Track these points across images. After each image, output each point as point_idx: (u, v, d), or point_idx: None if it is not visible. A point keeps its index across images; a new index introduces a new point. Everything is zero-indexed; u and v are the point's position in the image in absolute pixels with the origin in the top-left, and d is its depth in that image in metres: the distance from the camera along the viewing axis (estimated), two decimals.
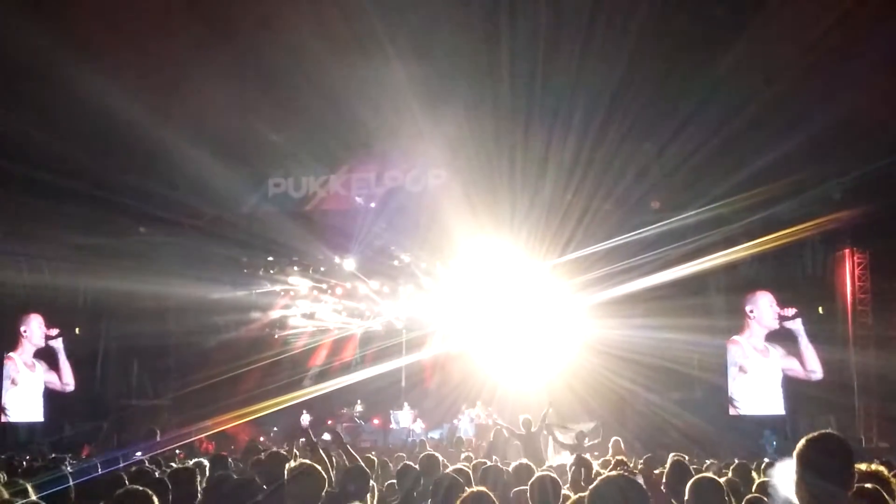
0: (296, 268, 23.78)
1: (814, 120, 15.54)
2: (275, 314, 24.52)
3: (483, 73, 17.57)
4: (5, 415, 22.82)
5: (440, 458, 8.11)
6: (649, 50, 15.70)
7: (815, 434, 3.57)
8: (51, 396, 22.98)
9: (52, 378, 22.95)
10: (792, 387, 19.83)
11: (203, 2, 15.75)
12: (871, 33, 14.30)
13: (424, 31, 16.23)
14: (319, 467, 5.21)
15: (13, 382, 22.94)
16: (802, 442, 3.52)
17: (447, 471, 7.20)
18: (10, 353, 23.06)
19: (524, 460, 7.94)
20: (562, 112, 17.28)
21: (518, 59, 16.41)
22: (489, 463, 8.67)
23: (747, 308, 20.20)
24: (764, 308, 20.06)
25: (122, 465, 8.70)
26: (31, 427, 22.80)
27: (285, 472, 5.26)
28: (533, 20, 15.14)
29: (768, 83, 15.43)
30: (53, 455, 13.48)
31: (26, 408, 22.92)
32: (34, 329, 23.07)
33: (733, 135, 16.84)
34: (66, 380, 22.95)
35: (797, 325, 19.75)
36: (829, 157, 17.24)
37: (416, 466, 7.52)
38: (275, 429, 20.32)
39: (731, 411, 20.26)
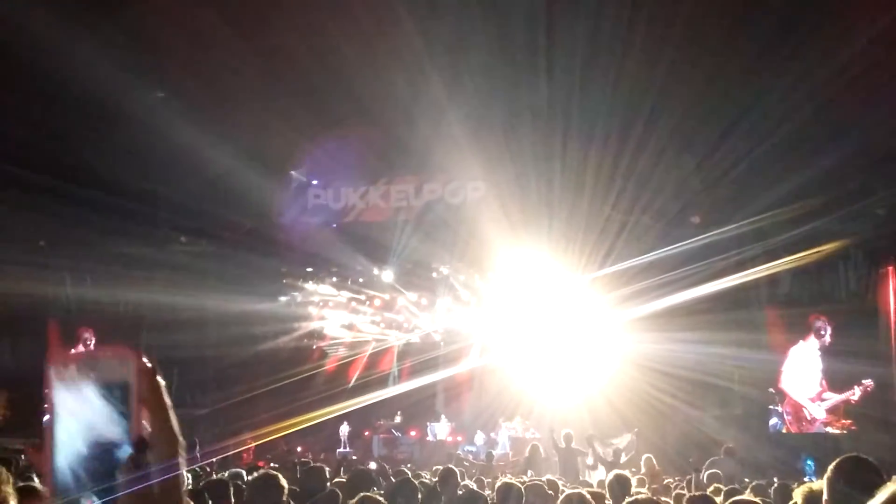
0: (334, 279, 23.83)
1: (858, 133, 15.35)
2: (313, 325, 24.52)
3: (521, 87, 17.59)
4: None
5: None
6: (690, 61, 15.60)
7: (842, 459, 3.51)
8: None
9: None
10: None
11: (245, 16, 15.86)
12: None
13: (463, 45, 16.28)
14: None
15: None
16: (831, 468, 3.47)
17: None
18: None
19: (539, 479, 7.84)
20: (600, 124, 17.23)
21: (556, 72, 16.39)
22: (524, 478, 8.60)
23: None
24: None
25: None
26: None
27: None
28: (571, 33, 15.09)
29: (812, 95, 15.21)
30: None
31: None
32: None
33: (774, 148, 16.69)
34: None
35: None
36: (873, 171, 17.02)
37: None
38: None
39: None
